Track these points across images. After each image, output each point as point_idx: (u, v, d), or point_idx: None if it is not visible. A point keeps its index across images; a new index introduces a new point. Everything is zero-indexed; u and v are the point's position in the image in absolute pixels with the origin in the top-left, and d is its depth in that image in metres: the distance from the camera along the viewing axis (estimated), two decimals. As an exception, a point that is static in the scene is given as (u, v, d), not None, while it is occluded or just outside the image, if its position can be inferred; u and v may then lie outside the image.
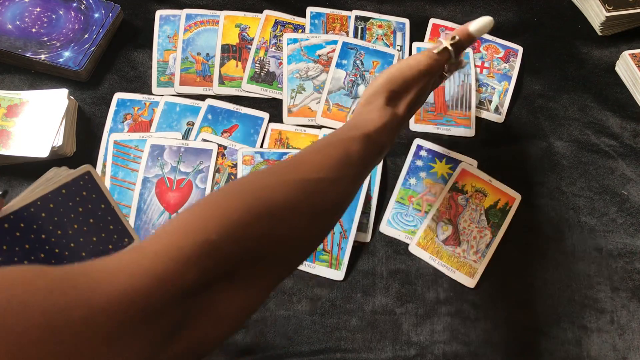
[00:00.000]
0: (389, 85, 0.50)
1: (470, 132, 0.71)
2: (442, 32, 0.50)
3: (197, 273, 0.32)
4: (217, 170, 0.65)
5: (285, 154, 0.66)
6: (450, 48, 0.52)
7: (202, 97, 0.70)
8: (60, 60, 0.68)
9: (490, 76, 0.74)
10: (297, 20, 0.76)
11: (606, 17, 0.76)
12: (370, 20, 0.77)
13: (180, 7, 0.75)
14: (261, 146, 0.68)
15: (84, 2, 0.73)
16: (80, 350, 0.26)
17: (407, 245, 0.63)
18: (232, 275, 0.35)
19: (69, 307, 0.26)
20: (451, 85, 0.73)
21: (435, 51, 0.51)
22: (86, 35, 0.70)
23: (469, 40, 0.54)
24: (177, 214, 0.34)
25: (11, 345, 0.24)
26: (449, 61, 0.54)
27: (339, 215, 0.45)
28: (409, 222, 0.64)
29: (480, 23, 0.54)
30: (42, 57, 0.68)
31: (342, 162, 0.43)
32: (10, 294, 0.25)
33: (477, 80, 0.74)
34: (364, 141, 0.46)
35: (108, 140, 0.66)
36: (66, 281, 0.28)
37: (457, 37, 0.52)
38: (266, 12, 0.76)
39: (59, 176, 0.42)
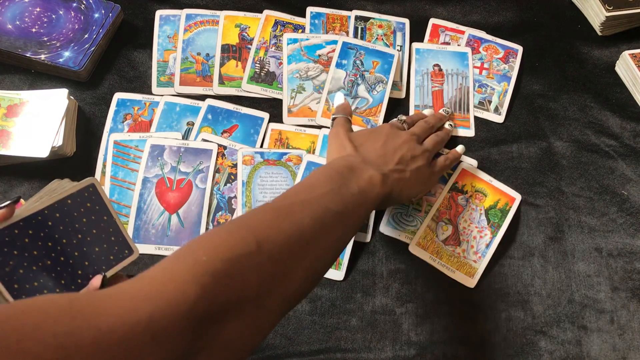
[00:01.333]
0: None
1: (469, 133, 0.71)
2: None
3: (198, 293, 0.33)
4: (217, 170, 0.65)
5: (286, 154, 0.66)
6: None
7: (202, 97, 0.70)
8: (60, 60, 0.68)
9: (490, 77, 0.74)
10: (297, 20, 0.76)
11: (606, 17, 0.76)
12: (370, 20, 0.77)
13: (180, 7, 0.75)
14: (261, 146, 0.68)
15: (84, 2, 0.73)
16: None
17: (407, 245, 0.63)
18: (239, 299, 0.36)
19: (78, 330, 0.28)
20: (449, 88, 0.73)
21: None
22: (86, 35, 0.70)
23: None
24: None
25: None
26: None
27: (334, 257, 0.47)
28: (409, 222, 0.64)
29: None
30: (42, 57, 0.68)
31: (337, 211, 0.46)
32: (24, 320, 0.27)
33: (474, 82, 0.74)
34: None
35: (108, 140, 0.66)
36: (73, 308, 0.29)
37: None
38: (266, 12, 0.76)
39: (62, 187, 0.43)
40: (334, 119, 0.62)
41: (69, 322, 0.28)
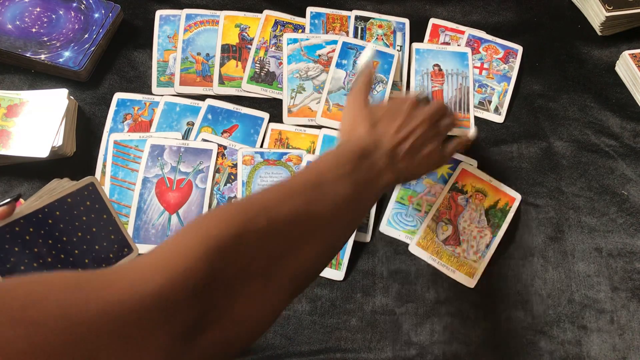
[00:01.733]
0: None
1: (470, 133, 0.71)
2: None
3: (207, 266, 0.33)
4: (217, 170, 0.65)
5: (285, 154, 0.66)
6: None
7: (202, 97, 0.70)
8: (60, 60, 0.68)
9: (490, 77, 0.74)
10: (297, 20, 0.76)
11: (606, 17, 0.76)
12: (370, 20, 0.77)
13: (180, 7, 0.75)
14: (261, 146, 0.68)
15: (84, 2, 0.73)
16: (97, 341, 0.27)
17: (407, 245, 0.63)
18: (248, 274, 0.36)
19: (84, 301, 0.28)
20: (449, 88, 0.73)
21: None
22: (86, 35, 0.70)
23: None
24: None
25: (32, 335, 0.25)
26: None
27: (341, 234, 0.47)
28: (409, 222, 0.64)
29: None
30: (42, 57, 0.68)
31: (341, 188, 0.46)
32: (29, 288, 0.27)
33: (474, 82, 0.74)
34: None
35: (108, 140, 0.66)
36: (80, 281, 0.29)
37: None
38: (266, 12, 0.76)
39: (62, 187, 0.44)
40: (356, 79, 0.59)
41: (75, 293, 0.28)
